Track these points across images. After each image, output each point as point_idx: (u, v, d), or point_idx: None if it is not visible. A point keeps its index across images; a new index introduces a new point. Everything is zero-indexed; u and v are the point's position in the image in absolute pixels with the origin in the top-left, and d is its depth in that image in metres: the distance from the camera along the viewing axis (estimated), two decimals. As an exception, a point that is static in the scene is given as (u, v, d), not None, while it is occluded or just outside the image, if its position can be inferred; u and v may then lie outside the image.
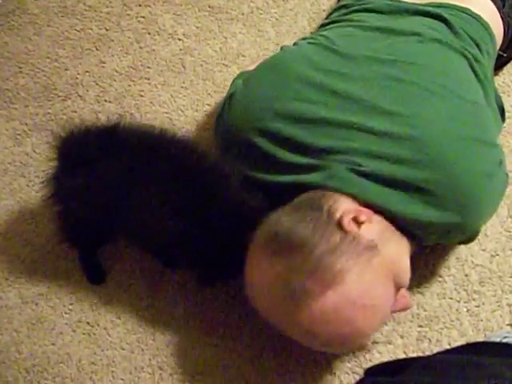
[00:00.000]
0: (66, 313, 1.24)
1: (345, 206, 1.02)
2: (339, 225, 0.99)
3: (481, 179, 1.04)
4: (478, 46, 1.21)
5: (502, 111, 1.28)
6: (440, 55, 1.15)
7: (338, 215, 1.01)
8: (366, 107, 1.07)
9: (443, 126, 1.05)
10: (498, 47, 1.30)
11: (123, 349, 1.19)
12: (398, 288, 1.04)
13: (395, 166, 1.03)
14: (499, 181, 1.09)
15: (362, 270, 0.98)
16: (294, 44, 1.27)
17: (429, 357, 0.77)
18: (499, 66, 1.40)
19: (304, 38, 1.28)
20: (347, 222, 0.99)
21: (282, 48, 1.26)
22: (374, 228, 1.02)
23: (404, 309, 1.09)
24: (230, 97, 1.19)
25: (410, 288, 1.13)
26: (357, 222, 1.01)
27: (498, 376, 0.63)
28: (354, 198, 1.04)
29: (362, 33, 1.20)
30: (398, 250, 1.05)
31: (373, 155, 1.04)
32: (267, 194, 1.11)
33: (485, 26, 1.24)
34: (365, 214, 1.02)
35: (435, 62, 1.13)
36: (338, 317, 0.97)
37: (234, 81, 1.29)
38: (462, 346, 0.80)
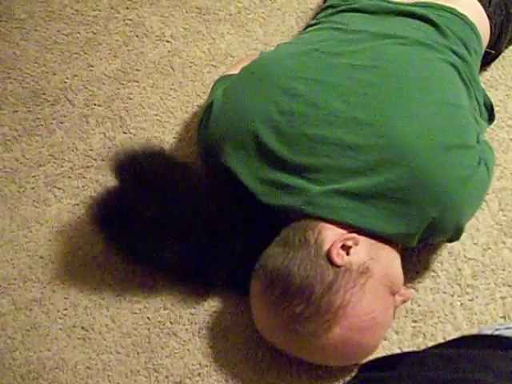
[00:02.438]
0: (60, 318, 1.23)
1: (330, 236, 1.04)
2: (329, 259, 1.01)
3: (458, 184, 1.05)
4: (465, 44, 1.21)
5: (492, 110, 1.28)
6: (422, 57, 1.15)
7: (325, 248, 1.03)
8: (342, 119, 1.07)
9: (419, 134, 1.05)
10: (484, 45, 1.31)
11: (118, 352, 1.19)
12: (394, 294, 1.06)
13: (372, 179, 1.04)
14: (478, 181, 1.09)
15: (360, 296, 1.01)
16: (276, 47, 1.26)
17: (421, 351, 0.78)
18: (487, 62, 1.41)
19: (286, 43, 1.28)
20: (336, 256, 1.01)
21: (260, 55, 1.24)
22: (362, 249, 1.04)
23: (405, 302, 1.14)
24: (209, 107, 1.18)
25: (404, 284, 1.13)
26: (344, 247, 1.03)
27: (490, 368, 0.63)
28: (336, 222, 1.05)
29: (344, 36, 1.19)
30: (388, 262, 1.07)
31: (349, 172, 1.05)
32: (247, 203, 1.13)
33: (471, 25, 1.25)
34: (350, 238, 1.03)
35: (416, 64, 1.13)
36: (348, 344, 1.03)
37: (213, 87, 1.29)
38: (454, 340, 0.81)
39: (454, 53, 1.18)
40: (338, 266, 1.01)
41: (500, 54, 1.43)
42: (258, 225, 1.14)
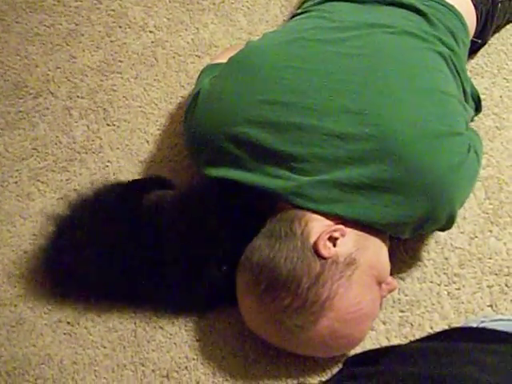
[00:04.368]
0: (45, 313, 1.22)
1: (316, 228, 1.03)
2: (316, 251, 1.01)
3: (449, 172, 1.04)
4: (453, 35, 1.21)
5: (479, 102, 1.28)
6: (410, 46, 1.14)
7: (312, 240, 1.02)
8: (330, 107, 1.06)
9: (408, 122, 1.04)
10: (471, 35, 1.30)
11: (105, 347, 1.18)
12: (381, 283, 1.06)
13: (361, 170, 1.03)
14: (469, 167, 1.09)
15: (347, 288, 1.01)
16: (263, 36, 1.25)
17: (406, 345, 0.78)
18: (473, 51, 1.40)
19: (272, 31, 1.27)
20: (323, 247, 1.01)
21: (247, 44, 1.22)
22: (349, 240, 1.04)
23: (391, 291, 1.13)
24: (196, 97, 1.17)
25: (390, 273, 1.13)
26: (331, 238, 1.02)
27: (474, 362, 0.63)
28: (324, 213, 1.05)
29: (332, 24, 1.18)
30: (375, 252, 1.06)
31: (338, 162, 1.04)
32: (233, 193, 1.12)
33: (458, 15, 1.24)
34: (337, 230, 1.03)
35: (404, 53, 1.12)
36: (335, 336, 1.03)
37: (200, 76, 1.27)
38: (440, 333, 0.80)
39: (443, 43, 1.17)
40: (325, 258, 1.00)
41: (486, 43, 1.43)
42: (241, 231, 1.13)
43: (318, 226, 1.03)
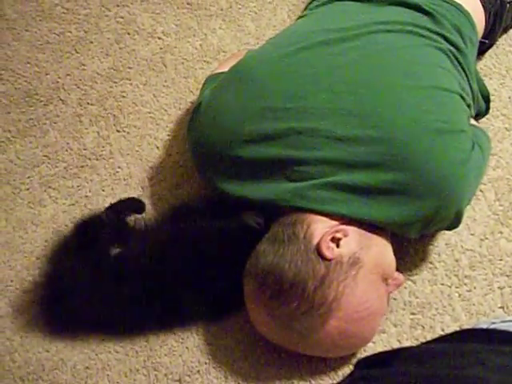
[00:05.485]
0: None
1: (319, 230, 1.03)
2: (319, 253, 1.01)
3: (454, 170, 1.04)
4: (459, 32, 1.20)
5: (488, 102, 1.28)
6: (410, 44, 1.14)
7: (314, 242, 1.02)
8: (330, 110, 1.06)
9: (410, 122, 1.04)
10: (480, 35, 1.30)
11: (117, 352, 1.19)
12: (387, 280, 1.06)
13: (365, 172, 1.03)
14: (474, 164, 1.08)
15: (353, 287, 1.01)
16: (263, 45, 1.25)
17: (417, 346, 0.78)
18: (481, 52, 1.40)
19: (273, 38, 1.27)
20: (326, 249, 1.01)
21: (246, 53, 1.22)
22: (352, 239, 1.04)
23: (399, 287, 1.13)
24: (197, 109, 1.18)
25: (401, 274, 1.13)
26: (334, 239, 1.02)
27: (485, 363, 0.63)
28: (328, 213, 1.05)
29: (334, 25, 1.17)
30: (379, 250, 1.06)
31: (343, 164, 1.04)
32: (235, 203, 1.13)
33: (466, 14, 1.24)
34: (339, 230, 1.03)
35: (404, 51, 1.12)
36: (344, 336, 1.03)
37: (203, 87, 1.28)
38: (450, 334, 0.81)
39: (447, 40, 1.17)
40: (329, 260, 1.00)
41: (494, 43, 1.43)
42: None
43: (320, 227, 1.03)
